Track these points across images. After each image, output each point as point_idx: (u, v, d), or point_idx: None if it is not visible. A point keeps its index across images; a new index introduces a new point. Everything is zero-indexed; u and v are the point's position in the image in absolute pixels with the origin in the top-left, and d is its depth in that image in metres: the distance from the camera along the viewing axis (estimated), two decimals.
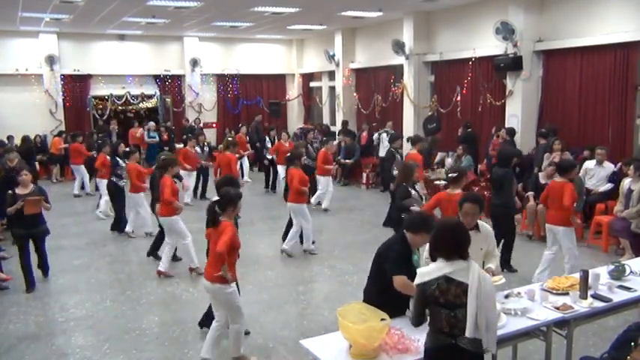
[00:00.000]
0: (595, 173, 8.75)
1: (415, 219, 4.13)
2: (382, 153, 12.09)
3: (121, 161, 9.45)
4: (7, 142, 13.38)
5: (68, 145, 13.57)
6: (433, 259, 3.20)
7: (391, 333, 3.47)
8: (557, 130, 9.87)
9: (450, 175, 5.91)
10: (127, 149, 9.69)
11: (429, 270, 3.13)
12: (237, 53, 18.37)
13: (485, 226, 4.47)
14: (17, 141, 14.21)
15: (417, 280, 3.14)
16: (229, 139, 10.93)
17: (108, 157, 9.81)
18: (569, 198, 6.13)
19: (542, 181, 8.41)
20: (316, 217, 10.52)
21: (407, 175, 6.68)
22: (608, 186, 8.55)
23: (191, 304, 6.30)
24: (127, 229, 9.19)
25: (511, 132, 10.49)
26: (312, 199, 10.78)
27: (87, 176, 12.60)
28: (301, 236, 8.11)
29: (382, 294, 3.95)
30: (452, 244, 3.12)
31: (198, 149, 11.89)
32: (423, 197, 6.68)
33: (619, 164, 8.59)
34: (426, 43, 13.19)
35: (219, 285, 4.56)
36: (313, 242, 8.15)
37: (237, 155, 10.65)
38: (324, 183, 10.74)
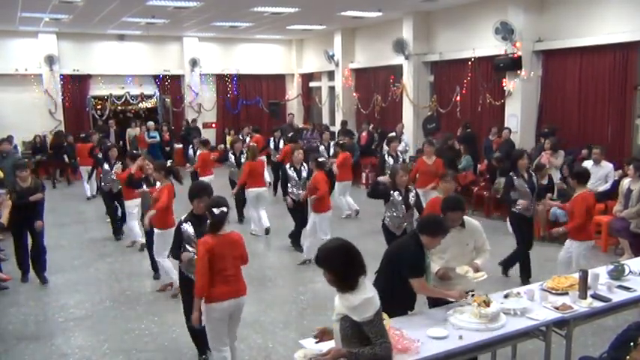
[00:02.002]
0: (593, 173, 8.73)
1: (432, 222, 3.99)
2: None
3: (107, 166, 9.05)
4: (6, 140, 13.37)
5: (72, 144, 13.62)
6: (349, 287, 2.87)
7: (391, 333, 3.47)
8: (555, 130, 9.89)
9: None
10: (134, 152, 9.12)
11: (375, 296, 2.90)
12: (236, 53, 18.37)
13: (472, 221, 4.46)
14: (17, 141, 14.22)
15: (375, 309, 2.85)
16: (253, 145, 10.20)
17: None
18: None
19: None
20: None
21: (391, 178, 6.50)
22: (607, 186, 8.54)
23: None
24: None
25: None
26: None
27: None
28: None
29: (389, 292, 3.98)
30: (362, 262, 2.96)
31: (191, 152, 11.25)
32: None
33: (620, 173, 8.49)
34: (426, 43, 13.19)
35: None
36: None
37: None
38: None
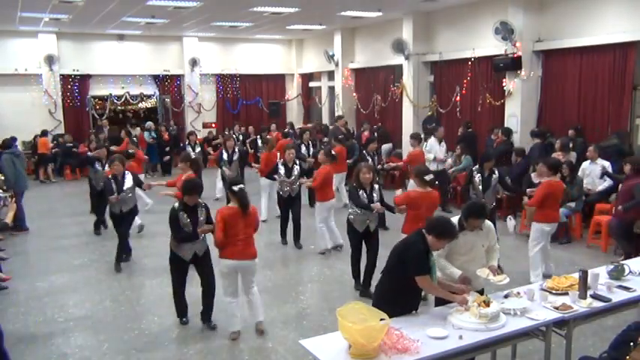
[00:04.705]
0: (590, 171, 8.76)
1: (440, 224, 3.99)
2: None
3: (97, 164, 9.53)
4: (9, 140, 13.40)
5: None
6: None
7: (390, 333, 3.47)
8: (544, 133, 9.94)
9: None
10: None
11: None
12: (236, 53, 18.37)
13: (486, 222, 4.47)
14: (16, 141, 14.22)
15: None
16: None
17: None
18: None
19: (534, 180, 8.41)
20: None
21: (354, 175, 6.49)
22: (605, 185, 8.52)
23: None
24: None
25: (507, 132, 10.57)
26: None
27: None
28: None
29: (395, 290, 4.02)
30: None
31: (189, 149, 11.66)
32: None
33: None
34: (426, 43, 13.19)
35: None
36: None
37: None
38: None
